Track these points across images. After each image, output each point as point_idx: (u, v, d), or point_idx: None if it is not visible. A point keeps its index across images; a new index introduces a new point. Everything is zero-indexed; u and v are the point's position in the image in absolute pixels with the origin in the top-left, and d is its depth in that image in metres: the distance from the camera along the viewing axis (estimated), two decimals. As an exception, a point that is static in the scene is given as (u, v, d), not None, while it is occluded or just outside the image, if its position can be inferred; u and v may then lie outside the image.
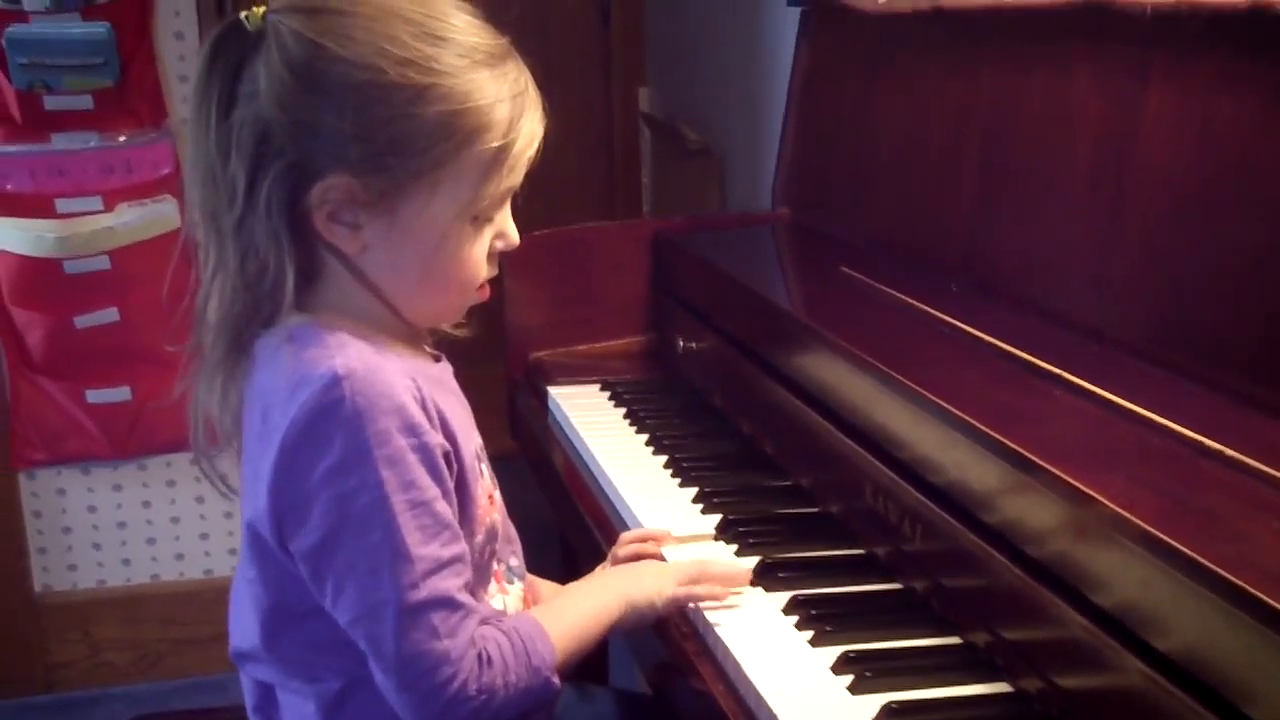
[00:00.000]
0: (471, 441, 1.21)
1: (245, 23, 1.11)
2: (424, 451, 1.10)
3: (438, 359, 1.26)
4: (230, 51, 1.11)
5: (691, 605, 1.31)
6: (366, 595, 1.09)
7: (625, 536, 1.50)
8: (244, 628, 1.21)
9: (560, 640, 1.21)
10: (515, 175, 1.17)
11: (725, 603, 1.32)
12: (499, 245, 1.20)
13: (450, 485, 1.14)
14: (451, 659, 1.10)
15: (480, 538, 1.21)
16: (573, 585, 1.34)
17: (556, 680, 1.19)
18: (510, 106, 1.14)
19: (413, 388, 1.12)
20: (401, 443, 1.09)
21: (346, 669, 1.15)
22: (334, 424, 1.08)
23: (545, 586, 1.44)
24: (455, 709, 1.11)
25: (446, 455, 1.14)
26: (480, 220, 1.17)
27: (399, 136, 1.10)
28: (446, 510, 1.12)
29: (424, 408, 1.12)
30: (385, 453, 1.08)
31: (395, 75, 1.09)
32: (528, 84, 1.17)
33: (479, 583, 1.22)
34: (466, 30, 1.14)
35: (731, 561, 1.41)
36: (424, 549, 1.09)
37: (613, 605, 1.28)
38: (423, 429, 1.11)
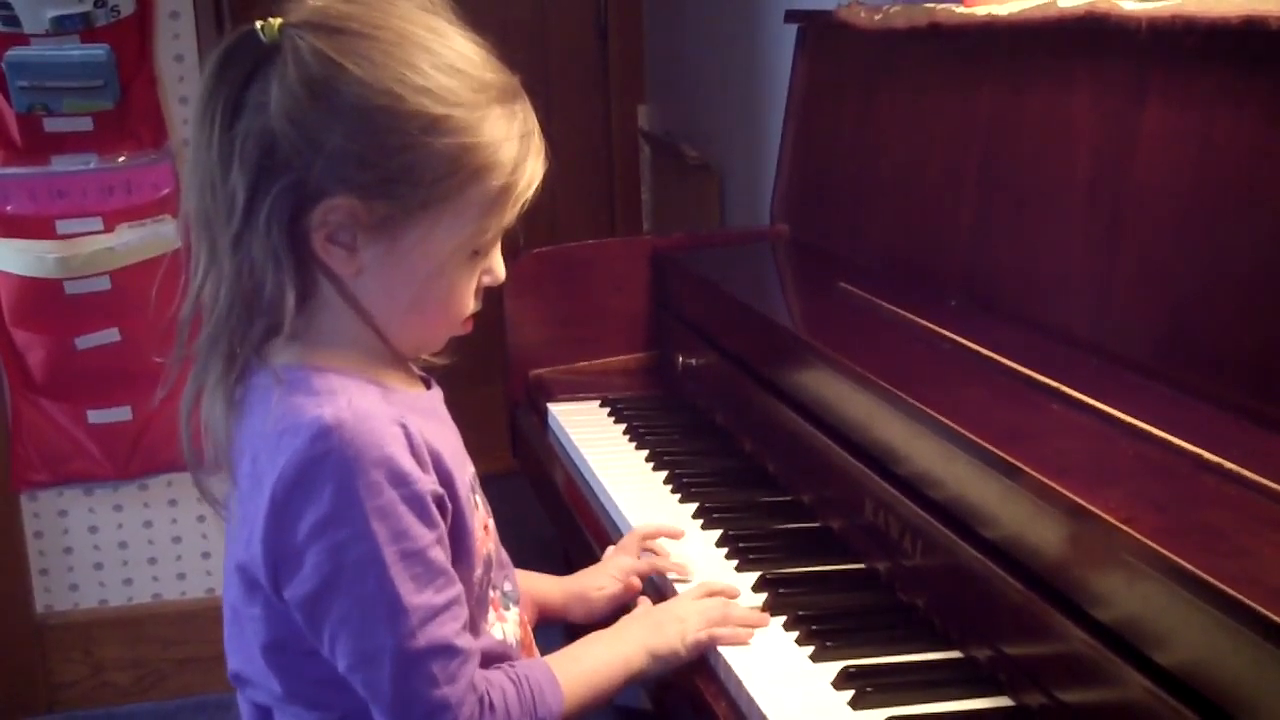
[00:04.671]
0: (465, 473, 1.20)
1: (260, 33, 1.09)
2: (415, 501, 1.09)
3: (427, 384, 1.25)
4: (241, 60, 1.09)
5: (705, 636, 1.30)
6: (362, 645, 1.09)
7: (638, 530, 1.52)
8: (244, 656, 1.20)
9: (572, 688, 1.21)
10: (512, 214, 1.16)
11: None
12: (486, 280, 1.19)
13: (444, 529, 1.13)
14: (451, 705, 1.10)
15: (479, 571, 1.20)
16: (595, 634, 1.33)
17: None
18: (518, 147, 1.14)
19: (401, 435, 1.10)
20: (392, 494, 1.08)
21: (349, 701, 1.14)
22: (323, 476, 1.06)
23: (540, 581, 1.44)
24: None
25: (440, 499, 1.12)
26: (475, 255, 1.16)
27: (408, 164, 1.09)
28: (440, 555, 1.11)
29: (415, 453, 1.10)
30: (376, 505, 1.07)
31: (412, 103, 1.08)
32: (534, 127, 1.17)
33: (479, 615, 1.21)
34: (481, 65, 1.13)
35: (741, 598, 1.40)
36: (417, 598, 1.09)
37: (634, 657, 1.28)
38: (413, 478, 1.09)
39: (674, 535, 1.51)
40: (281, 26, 1.09)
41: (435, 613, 1.10)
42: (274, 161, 1.08)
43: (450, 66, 1.10)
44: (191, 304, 1.14)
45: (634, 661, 1.28)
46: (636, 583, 1.45)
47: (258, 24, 1.09)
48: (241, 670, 1.21)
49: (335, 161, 1.08)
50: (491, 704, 1.13)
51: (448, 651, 1.10)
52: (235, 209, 1.09)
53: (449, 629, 1.10)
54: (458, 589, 1.13)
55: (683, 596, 1.37)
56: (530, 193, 1.17)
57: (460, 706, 1.10)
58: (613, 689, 1.26)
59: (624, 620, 1.36)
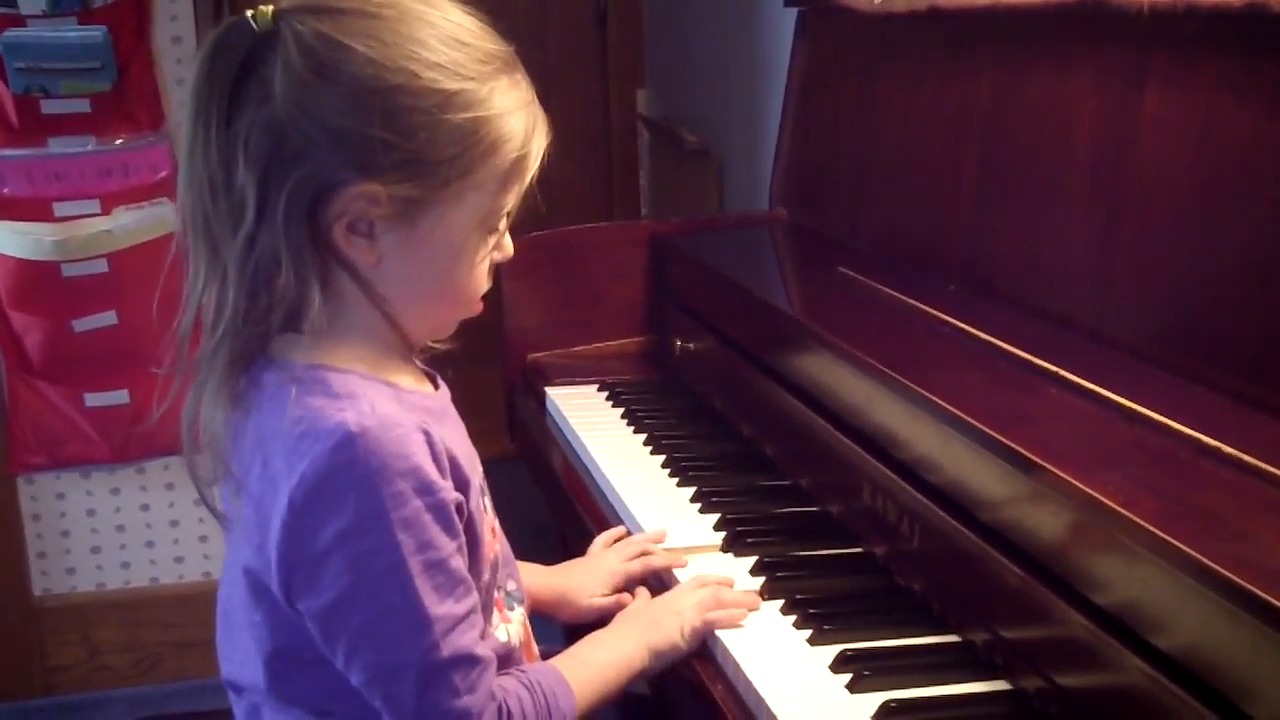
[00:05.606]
0: (477, 476, 1.18)
1: (253, 22, 1.05)
2: (439, 510, 1.07)
3: (434, 381, 1.23)
4: (234, 53, 1.04)
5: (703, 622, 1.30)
6: (385, 656, 1.07)
7: (628, 542, 1.51)
8: (242, 663, 1.17)
9: (581, 690, 1.21)
10: (523, 187, 1.15)
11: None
12: (496, 257, 1.18)
13: (463, 539, 1.11)
14: (472, 714, 1.09)
15: (486, 576, 1.19)
16: (596, 634, 1.33)
17: None
18: (525, 115, 1.12)
19: (424, 442, 1.07)
20: (417, 504, 1.05)
21: (351, 709, 1.12)
22: (347, 485, 1.04)
23: (530, 574, 1.43)
24: None
25: (459, 506, 1.11)
26: (489, 233, 1.14)
27: (427, 144, 1.06)
28: (460, 564, 1.10)
29: (437, 460, 1.08)
30: (401, 515, 1.05)
31: (426, 79, 1.05)
32: (535, 95, 1.15)
33: (485, 618, 1.19)
34: (481, 36, 1.11)
35: (738, 582, 1.39)
36: (441, 608, 1.07)
37: (636, 656, 1.28)
38: (438, 487, 1.07)
39: (677, 564, 1.46)
40: (276, 13, 1.05)
41: (457, 622, 1.08)
42: (285, 153, 1.04)
43: (454, 39, 1.08)
44: (192, 315, 1.11)
45: (636, 661, 1.27)
46: (628, 598, 1.44)
47: (249, 14, 1.06)
48: (237, 677, 1.19)
49: (352, 147, 1.05)
50: (509, 711, 1.13)
51: (469, 661, 1.09)
52: (246, 209, 1.05)
53: (469, 638, 1.10)
54: (476, 597, 1.12)
55: (678, 589, 1.37)
56: (538, 163, 1.15)
57: (481, 716, 1.09)
58: (618, 689, 1.26)
59: (623, 618, 1.36)
